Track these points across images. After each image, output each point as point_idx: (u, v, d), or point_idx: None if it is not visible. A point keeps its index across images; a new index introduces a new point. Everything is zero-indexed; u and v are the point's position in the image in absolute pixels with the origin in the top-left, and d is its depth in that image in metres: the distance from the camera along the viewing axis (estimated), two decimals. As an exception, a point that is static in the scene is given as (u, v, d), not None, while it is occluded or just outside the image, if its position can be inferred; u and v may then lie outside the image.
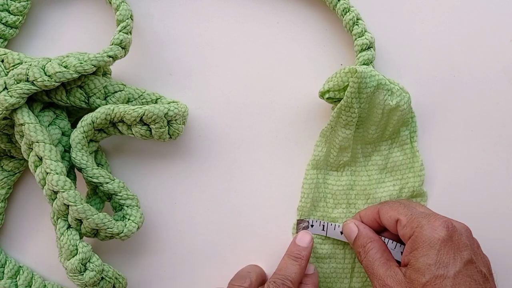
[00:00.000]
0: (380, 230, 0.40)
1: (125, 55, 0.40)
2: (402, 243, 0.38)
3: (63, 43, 0.43)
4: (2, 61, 0.39)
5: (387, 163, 0.42)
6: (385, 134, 0.41)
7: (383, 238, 0.39)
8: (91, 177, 0.39)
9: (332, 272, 0.42)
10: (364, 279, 0.42)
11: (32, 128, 0.37)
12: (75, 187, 0.38)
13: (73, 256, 0.37)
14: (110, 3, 0.41)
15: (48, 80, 0.37)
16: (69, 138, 0.39)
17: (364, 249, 0.38)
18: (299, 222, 0.42)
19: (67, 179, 0.37)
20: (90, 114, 0.39)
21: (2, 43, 0.42)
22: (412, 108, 0.41)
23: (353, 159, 0.42)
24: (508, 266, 0.42)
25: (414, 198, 0.42)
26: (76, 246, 0.38)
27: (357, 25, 0.41)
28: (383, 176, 0.42)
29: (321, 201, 0.42)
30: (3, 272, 0.41)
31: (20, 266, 0.42)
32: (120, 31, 0.40)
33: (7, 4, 0.42)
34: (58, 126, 0.39)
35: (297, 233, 0.41)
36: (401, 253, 0.38)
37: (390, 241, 0.38)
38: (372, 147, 0.42)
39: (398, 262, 0.37)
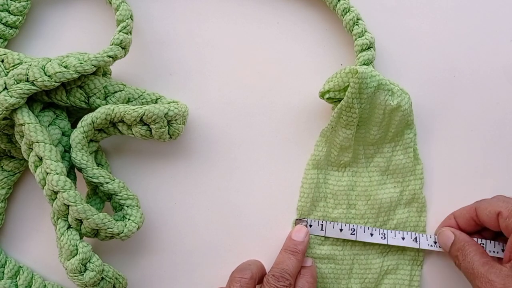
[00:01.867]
0: (476, 231, 0.40)
1: (125, 55, 0.40)
2: (500, 240, 0.40)
3: (63, 43, 0.43)
4: (2, 61, 0.39)
5: (389, 165, 0.42)
6: (388, 135, 0.41)
7: (479, 240, 0.39)
8: (91, 177, 0.39)
9: (330, 273, 0.42)
10: (362, 280, 0.42)
11: (32, 128, 0.37)
12: (75, 187, 0.38)
13: (73, 256, 0.37)
14: (110, 3, 0.41)
15: (48, 80, 0.37)
16: (69, 138, 0.39)
17: (463, 252, 0.38)
18: (298, 221, 0.42)
19: (67, 179, 0.37)
20: (90, 114, 0.39)
21: (2, 43, 0.42)
22: (412, 110, 0.41)
23: (354, 160, 0.42)
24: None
25: (412, 203, 0.42)
26: (76, 246, 0.38)
27: (357, 25, 0.41)
28: (385, 178, 0.42)
29: (321, 201, 0.42)
30: (3, 272, 0.41)
31: (20, 266, 0.42)
32: (120, 31, 0.39)
33: (7, 4, 0.42)
34: (58, 126, 0.39)
35: None
36: (502, 250, 0.39)
37: (488, 241, 0.39)
38: (374, 148, 0.42)
39: None
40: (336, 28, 0.43)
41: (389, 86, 0.39)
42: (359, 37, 0.41)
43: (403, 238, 0.41)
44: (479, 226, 0.40)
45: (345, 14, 0.41)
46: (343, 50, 0.43)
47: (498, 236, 0.40)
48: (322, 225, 0.41)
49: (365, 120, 0.41)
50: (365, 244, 0.42)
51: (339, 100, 0.40)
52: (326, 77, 0.41)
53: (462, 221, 0.40)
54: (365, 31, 0.41)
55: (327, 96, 0.40)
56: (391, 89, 0.39)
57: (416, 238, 0.41)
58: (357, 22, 0.41)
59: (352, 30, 0.41)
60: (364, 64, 0.40)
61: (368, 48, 0.40)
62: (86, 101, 0.40)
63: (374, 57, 0.41)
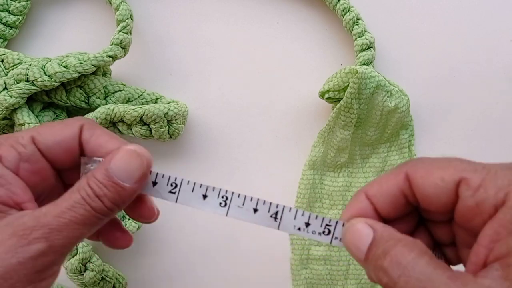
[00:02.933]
0: (405, 215, 0.25)
1: (125, 55, 0.40)
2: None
3: (63, 43, 0.43)
4: (2, 61, 0.39)
5: (384, 166, 0.42)
6: (384, 136, 0.41)
7: None
8: (91, 177, 0.39)
9: (327, 274, 0.42)
10: (358, 281, 0.42)
11: (32, 128, 0.37)
12: (75, 187, 0.38)
13: (73, 256, 0.37)
14: (110, 3, 0.41)
15: (48, 80, 0.37)
16: (69, 138, 0.39)
17: (394, 259, 0.22)
18: None
19: (67, 179, 0.37)
20: (90, 114, 0.39)
21: (2, 43, 0.42)
22: (410, 111, 0.41)
23: (350, 160, 0.42)
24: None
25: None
26: (76, 246, 0.38)
27: (357, 25, 0.41)
28: (380, 178, 0.42)
29: (317, 201, 0.42)
30: (3, 272, 0.41)
31: (20, 266, 0.42)
32: (120, 31, 0.40)
33: (7, 4, 0.42)
34: (58, 126, 0.39)
35: (289, 234, 0.41)
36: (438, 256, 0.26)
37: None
38: (370, 149, 0.42)
39: None
40: (336, 28, 0.43)
41: (388, 87, 0.39)
42: (359, 37, 0.41)
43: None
44: (410, 207, 0.25)
45: (345, 14, 0.41)
46: (343, 50, 0.43)
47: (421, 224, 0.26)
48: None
49: (363, 121, 0.41)
50: (363, 244, 0.42)
51: (339, 100, 0.40)
52: (326, 77, 0.41)
53: (383, 201, 0.25)
54: (365, 31, 0.41)
55: (327, 96, 0.40)
56: (389, 91, 0.39)
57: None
58: (357, 22, 0.41)
59: (352, 30, 0.41)
60: (364, 64, 0.40)
61: (368, 48, 0.41)
62: (86, 101, 0.40)
63: (374, 57, 0.41)
